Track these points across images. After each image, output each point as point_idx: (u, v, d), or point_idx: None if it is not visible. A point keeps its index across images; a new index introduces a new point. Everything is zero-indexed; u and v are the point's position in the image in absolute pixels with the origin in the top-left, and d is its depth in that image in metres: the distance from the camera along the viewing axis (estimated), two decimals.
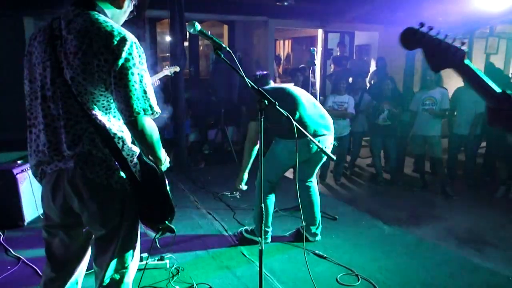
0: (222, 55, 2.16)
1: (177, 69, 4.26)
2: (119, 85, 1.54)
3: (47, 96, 1.62)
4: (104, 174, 1.61)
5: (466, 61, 1.27)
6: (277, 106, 2.31)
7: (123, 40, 1.54)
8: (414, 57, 6.84)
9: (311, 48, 4.04)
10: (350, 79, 6.89)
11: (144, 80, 1.59)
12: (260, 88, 2.23)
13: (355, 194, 5.54)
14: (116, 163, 1.62)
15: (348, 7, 7.24)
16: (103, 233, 1.70)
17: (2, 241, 3.47)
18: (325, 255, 3.31)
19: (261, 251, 2.33)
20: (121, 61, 1.52)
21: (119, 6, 1.72)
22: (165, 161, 1.84)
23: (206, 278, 2.98)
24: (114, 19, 1.70)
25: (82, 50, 1.53)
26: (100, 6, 1.65)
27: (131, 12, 1.80)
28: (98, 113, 1.59)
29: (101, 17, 1.60)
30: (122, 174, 1.63)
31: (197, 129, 7.36)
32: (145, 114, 1.60)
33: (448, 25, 7.53)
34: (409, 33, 1.28)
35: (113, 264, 1.72)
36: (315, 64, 4.02)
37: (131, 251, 1.76)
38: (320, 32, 9.80)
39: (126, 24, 1.89)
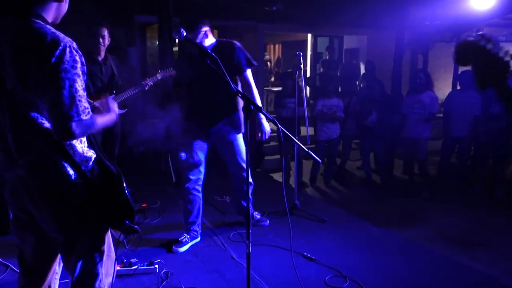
0: (208, 61, 2.20)
1: (173, 72, 4.23)
2: (49, 91, 1.53)
3: None
4: (56, 181, 1.63)
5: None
6: (262, 111, 2.35)
7: (55, 44, 1.52)
8: (402, 61, 6.92)
9: (297, 53, 4.08)
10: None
11: (75, 85, 1.55)
12: (245, 94, 2.26)
13: (345, 197, 5.59)
14: (69, 169, 1.63)
15: (336, 11, 7.32)
16: (62, 239, 1.72)
17: None
18: (313, 258, 3.33)
19: (248, 254, 2.36)
20: (52, 66, 1.51)
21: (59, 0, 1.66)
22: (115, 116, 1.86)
23: (195, 282, 2.99)
24: (57, 14, 1.68)
25: (16, 60, 1.53)
26: (37, 11, 1.61)
27: None
28: (43, 121, 1.59)
29: (36, 24, 1.58)
30: (75, 179, 1.64)
31: None
32: (73, 121, 1.56)
33: (435, 28, 7.67)
34: (468, 47, 1.16)
35: (79, 269, 1.74)
36: (301, 68, 4.06)
37: (97, 254, 1.77)
38: (309, 36, 9.89)
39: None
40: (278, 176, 6.44)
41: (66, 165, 1.63)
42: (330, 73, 8.20)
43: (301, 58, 4.13)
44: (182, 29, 2.16)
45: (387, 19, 7.16)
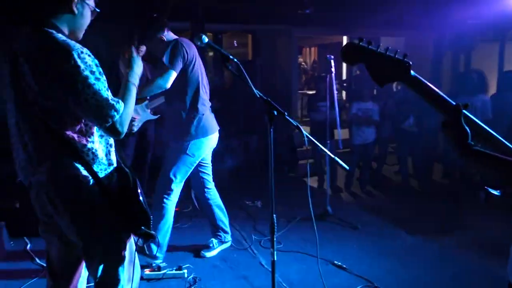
0: (230, 67, 2.19)
1: None
2: (78, 101, 1.57)
3: (18, 117, 1.68)
4: (73, 187, 1.66)
5: (413, 73, 1.22)
6: (286, 116, 2.30)
7: (68, 52, 1.54)
8: (441, 62, 6.66)
9: (328, 55, 4.01)
10: None
11: (99, 85, 1.59)
12: (268, 100, 2.23)
13: (380, 203, 5.41)
14: (86, 176, 1.66)
15: (372, 13, 7.15)
16: (82, 244, 1.75)
17: (28, 249, 3.59)
18: (344, 266, 3.25)
19: (273, 262, 2.32)
20: (70, 75, 1.54)
21: (71, 11, 1.69)
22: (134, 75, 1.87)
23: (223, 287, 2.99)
24: (73, 27, 1.71)
25: (36, 71, 1.57)
26: (52, 21, 1.65)
27: (93, 12, 1.77)
28: (64, 129, 1.63)
29: (48, 33, 1.61)
30: (92, 186, 1.67)
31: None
32: (114, 119, 1.62)
33: (479, 28, 7.33)
34: (350, 48, 1.24)
35: (101, 273, 1.77)
36: (332, 71, 3.98)
37: (118, 259, 1.79)
38: (345, 38, 9.73)
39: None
40: (311, 181, 6.35)
41: (84, 172, 1.67)
42: (366, 75, 8.03)
43: (333, 61, 4.05)
44: (203, 35, 2.16)
45: (425, 19, 6.91)
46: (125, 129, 1.69)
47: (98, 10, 1.79)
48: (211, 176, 3.53)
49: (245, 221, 4.26)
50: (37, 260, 3.39)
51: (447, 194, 5.54)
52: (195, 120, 3.15)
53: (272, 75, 8.84)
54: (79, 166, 1.65)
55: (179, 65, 2.99)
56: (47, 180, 1.66)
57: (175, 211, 4.43)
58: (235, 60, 2.17)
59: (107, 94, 1.62)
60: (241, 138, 7.07)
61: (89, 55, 1.60)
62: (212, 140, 3.28)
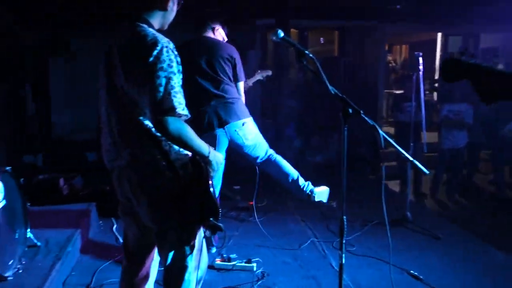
0: (305, 62, 2.14)
1: (269, 73, 4.25)
2: (147, 87, 1.64)
3: (107, 103, 1.81)
4: (151, 174, 1.74)
5: None
6: (362, 115, 2.20)
7: (154, 45, 1.64)
8: None
9: (415, 53, 3.77)
10: None
11: (171, 82, 1.64)
12: (343, 97, 2.15)
13: (469, 214, 5.00)
14: (164, 164, 1.73)
15: (471, 7, 6.59)
16: (156, 229, 1.84)
17: (114, 230, 3.89)
18: (420, 276, 3.04)
19: (341, 265, 2.24)
20: (150, 64, 1.62)
21: (163, 8, 1.83)
22: (211, 154, 1.80)
23: (290, 285, 2.96)
24: (162, 22, 1.86)
25: (122, 60, 1.70)
26: (144, 16, 1.79)
27: (178, 4, 1.90)
28: (145, 118, 1.71)
29: (141, 27, 1.74)
30: (169, 175, 1.74)
31: (302, 136, 7.37)
32: (168, 115, 1.63)
33: None
34: (450, 64, 1.11)
35: (170, 260, 1.84)
36: (420, 70, 3.74)
37: (187, 247, 1.85)
38: (439, 36, 9.12)
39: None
40: (393, 184, 6.06)
41: (161, 160, 1.75)
42: None
43: (421, 58, 3.81)
44: (279, 30, 2.14)
45: None
46: (174, 134, 1.68)
47: (181, 2, 1.92)
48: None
49: (318, 220, 4.19)
50: (121, 241, 3.65)
51: None
52: None
53: (358, 73, 8.58)
54: (157, 154, 1.73)
55: None
56: (127, 165, 1.78)
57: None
58: (311, 55, 2.12)
59: (177, 91, 1.67)
60: (322, 135, 6.98)
61: (172, 51, 1.69)
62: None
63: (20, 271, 2.70)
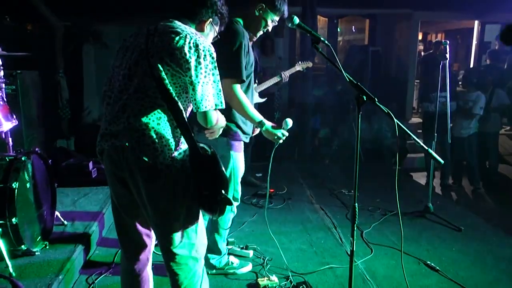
0: (320, 49, 2.14)
1: (310, 64, 4.31)
2: (186, 79, 1.71)
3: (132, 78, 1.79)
4: (152, 156, 1.72)
5: None
6: (377, 102, 2.19)
7: (189, 40, 1.72)
8: None
9: (443, 41, 3.67)
10: None
11: (211, 77, 1.74)
12: (358, 83, 2.14)
13: (493, 206, 4.86)
14: (167, 147, 1.75)
15: None
16: (154, 213, 1.81)
17: None
18: (437, 268, 3.01)
19: (352, 252, 2.25)
20: (186, 60, 1.69)
21: (201, 29, 1.93)
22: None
23: (304, 271, 2.99)
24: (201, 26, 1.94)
25: (159, 46, 1.74)
26: (185, 20, 1.89)
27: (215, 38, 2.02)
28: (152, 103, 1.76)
29: (177, 23, 1.83)
30: (170, 157, 1.75)
31: (328, 125, 7.32)
32: (210, 108, 1.75)
33: None
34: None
35: (177, 240, 1.84)
36: (446, 58, 3.64)
37: (192, 229, 1.87)
38: (476, 23, 8.78)
39: None
40: (418, 176, 5.96)
41: (163, 143, 1.74)
42: (498, 65, 7.17)
43: (448, 46, 3.71)
44: (294, 16, 2.14)
45: None
46: (213, 123, 1.83)
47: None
48: None
49: (338, 210, 4.18)
50: None
51: None
52: None
53: (388, 62, 8.41)
54: (159, 138, 1.74)
55: None
56: (124, 130, 1.76)
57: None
58: (326, 42, 2.12)
59: (217, 86, 1.78)
60: (348, 124, 6.90)
61: (208, 48, 1.75)
62: None
63: (47, 247, 2.86)
